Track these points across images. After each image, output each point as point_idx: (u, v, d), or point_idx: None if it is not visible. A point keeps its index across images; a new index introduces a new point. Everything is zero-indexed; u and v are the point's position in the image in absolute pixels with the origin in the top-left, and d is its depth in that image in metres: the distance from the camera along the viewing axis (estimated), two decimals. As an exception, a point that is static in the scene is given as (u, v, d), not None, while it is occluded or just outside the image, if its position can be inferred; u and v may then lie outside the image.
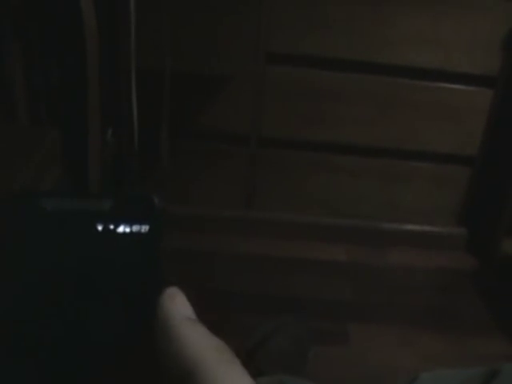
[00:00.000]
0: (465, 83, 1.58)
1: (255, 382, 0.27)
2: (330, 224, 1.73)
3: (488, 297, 1.59)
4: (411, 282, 1.64)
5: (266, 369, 1.17)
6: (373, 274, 1.65)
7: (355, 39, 1.52)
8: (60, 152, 1.24)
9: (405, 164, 1.68)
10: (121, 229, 0.30)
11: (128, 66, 1.39)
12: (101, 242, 0.30)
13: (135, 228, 0.30)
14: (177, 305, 0.28)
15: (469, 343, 1.42)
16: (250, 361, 1.21)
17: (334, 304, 1.52)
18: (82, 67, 1.27)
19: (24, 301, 0.30)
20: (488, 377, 0.62)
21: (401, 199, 1.72)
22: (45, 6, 1.22)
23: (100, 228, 0.30)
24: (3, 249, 0.30)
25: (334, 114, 1.60)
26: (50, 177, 1.19)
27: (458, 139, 1.64)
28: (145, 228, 0.30)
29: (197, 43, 1.51)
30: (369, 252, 1.71)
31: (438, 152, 1.66)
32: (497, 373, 0.61)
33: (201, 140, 1.64)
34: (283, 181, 1.68)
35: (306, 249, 1.68)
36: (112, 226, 0.30)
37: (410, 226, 1.75)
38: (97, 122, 1.31)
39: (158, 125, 1.52)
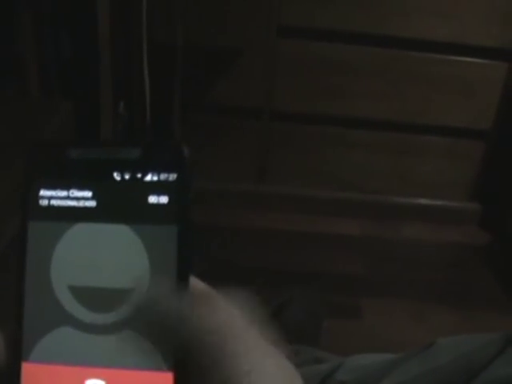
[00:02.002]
0: (479, 56, 1.56)
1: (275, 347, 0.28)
2: (342, 198, 1.72)
3: (501, 272, 1.59)
4: (424, 256, 1.64)
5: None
6: (385, 249, 1.64)
7: (368, 12, 1.50)
8: (73, 124, 1.24)
9: (418, 138, 1.67)
10: (148, 177, 0.29)
11: (140, 39, 1.38)
12: (128, 191, 0.29)
13: (163, 176, 0.29)
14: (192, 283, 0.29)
15: (481, 318, 1.42)
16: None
17: (347, 278, 1.52)
18: (94, 40, 1.27)
19: None
20: (506, 342, 0.62)
21: (414, 174, 1.70)
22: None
23: (127, 177, 0.29)
24: None
25: (347, 87, 1.59)
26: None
27: (471, 113, 1.63)
28: (173, 176, 0.29)
29: (208, 16, 1.50)
30: (382, 226, 1.70)
31: (452, 126, 1.65)
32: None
33: (213, 114, 1.63)
34: (295, 155, 1.67)
35: (319, 223, 1.68)
36: (139, 175, 0.29)
37: (423, 201, 1.74)
38: (109, 95, 1.31)
39: (170, 98, 1.52)
